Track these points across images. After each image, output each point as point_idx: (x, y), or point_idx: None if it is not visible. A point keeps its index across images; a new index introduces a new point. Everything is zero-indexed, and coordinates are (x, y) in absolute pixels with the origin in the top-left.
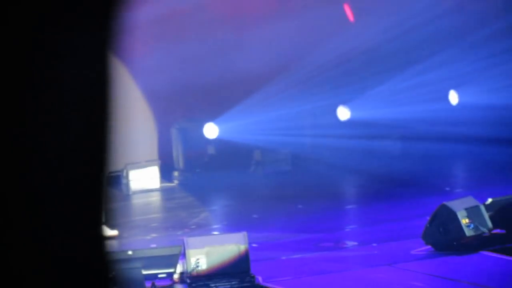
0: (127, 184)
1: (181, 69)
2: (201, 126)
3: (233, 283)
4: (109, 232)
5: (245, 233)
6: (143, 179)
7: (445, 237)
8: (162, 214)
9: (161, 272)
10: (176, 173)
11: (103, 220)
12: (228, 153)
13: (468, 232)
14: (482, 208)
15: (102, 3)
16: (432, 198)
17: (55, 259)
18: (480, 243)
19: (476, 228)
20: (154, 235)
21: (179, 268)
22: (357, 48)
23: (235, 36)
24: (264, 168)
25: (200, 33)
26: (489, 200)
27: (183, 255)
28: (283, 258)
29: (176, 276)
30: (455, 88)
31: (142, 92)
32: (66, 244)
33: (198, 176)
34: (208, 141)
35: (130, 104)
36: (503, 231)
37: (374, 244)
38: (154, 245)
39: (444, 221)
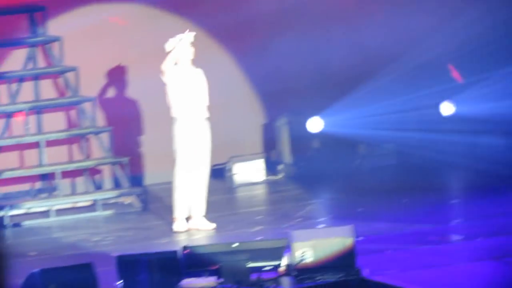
0: (232, 177)
1: (288, 63)
2: (306, 120)
3: (339, 276)
4: (208, 225)
5: (351, 226)
6: (248, 172)
7: None
8: (267, 207)
9: (267, 264)
10: (281, 167)
11: (203, 213)
12: (333, 147)
13: None
14: None
15: None
16: None
17: None
18: None
19: None
20: (259, 227)
21: (284, 261)
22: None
23: (343, 29)
24: (368, 162)
25: (310, 27)
26: None
27: (289, 248)
28: (389, 251)
29: (281, 269)
30: None
31: (250, 85)
32: None
33: (303, 170)
34: (313, 135)
35: (237, 97)
36: None
37: (480, 239)
38: (259, 238)
39: None
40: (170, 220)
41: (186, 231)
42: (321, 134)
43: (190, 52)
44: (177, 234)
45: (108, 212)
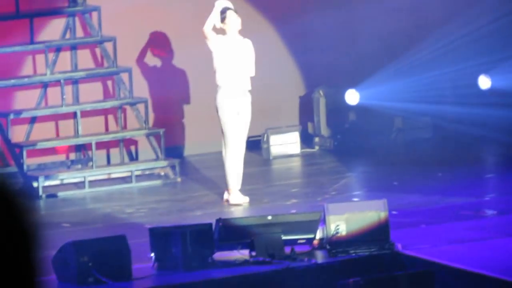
0: (268, 149)
1: (327, 35)
2: (343, 92)
3: (372, 249)
4: (241, 199)
5: (385, 200)
6: (284, 144)
7: None
8: (303, 179)
9: (301, 238)
10: (317, 139)
11: (237, 188)
12: (369, 120)
13: None
14: None
15: None
16: None
17: None
18: None
19: None
20: (294, 200)
21: (318, 234)
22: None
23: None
24: (404, 135)
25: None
26: None
27: (323, 221)
28: (423, 226)
29: (315, 242)
30: None
31: (288, 56)
32: None
33: (339, 142)
34: (349, 107)
35: (274, 68)
36: None
37: None
38: (294, 211)
39: None
40: (206, 193)
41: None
42: (357, 106)
43: (237, 22)
44: (211, 206)
45: (143, 184)
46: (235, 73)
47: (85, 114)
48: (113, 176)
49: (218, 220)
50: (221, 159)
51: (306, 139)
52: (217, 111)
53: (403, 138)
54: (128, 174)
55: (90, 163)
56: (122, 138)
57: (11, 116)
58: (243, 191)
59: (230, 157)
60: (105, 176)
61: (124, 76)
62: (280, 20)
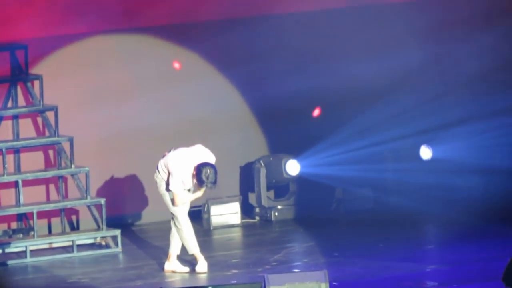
0: (208, 219)
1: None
2: (283, 163)
3: None
4: (181, 268)
5: (325, 271)
6: (225, 215)
7: None
8: (243, 250)
9: None
10: (257, 210)
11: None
12: (310, 190)
13: None
14: None
15: None
16: None
17: None
18: None
19: None
20: (234, 271)
21: None
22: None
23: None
24: (345, 205)
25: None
26: None
27: None
28: None
29: None
30: None
31: (231, 126)
32: None
33: (280, 213)
34: (290, 178)
35: (216, 139)
36: None
37: (455, 285)
38: (234, 281)
39: None
40: (147, 262)
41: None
42: (298, 177)
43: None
44: (152, 276)
45: (84, 253)
46: None
47: (26, 183)
48: (54, 245)
49: None
50: (163, 229)
51: (247, 210)
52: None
53: (344, 209)
54: (70, 243)
55: (32, 232)
56: (63, 207)
57: None
58: (184, 260)
59: (186, 223)
60: (47, 246)
61: (66, 145)
62: (224, 89)
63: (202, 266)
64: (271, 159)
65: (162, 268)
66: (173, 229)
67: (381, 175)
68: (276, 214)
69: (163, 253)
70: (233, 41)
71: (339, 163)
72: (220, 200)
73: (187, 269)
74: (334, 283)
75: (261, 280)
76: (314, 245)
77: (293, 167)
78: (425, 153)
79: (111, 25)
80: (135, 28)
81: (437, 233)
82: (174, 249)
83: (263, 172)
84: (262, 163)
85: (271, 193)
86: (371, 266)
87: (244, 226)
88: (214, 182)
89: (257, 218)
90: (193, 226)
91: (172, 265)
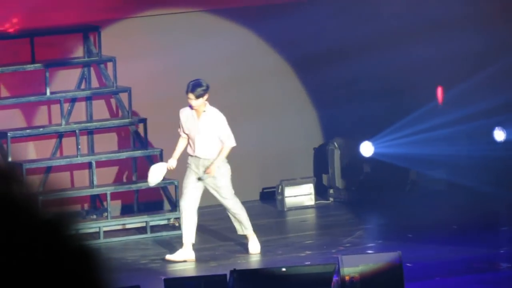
0: (282, 201)
1: (342, 88)
2: (358, 144)
3: None
4: (185, 256)
5: (399, 252)
6: (298, 196)
7: None
8: (317, 231)
9: None
10: (331, 191)
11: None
12: (384, 172)
13: None
14: None
15: None
16: None
17: None
18: None
19: None
20: (308, 252)
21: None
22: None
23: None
24: (419, 187)
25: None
26: None
27: (337, 273)
28: (437, 278)
29: None
30: None
31: (304, 107)
32: None
33: (354, 194)
34: (364, 159)
35: (290, 119)
36: None
37: None
38: (308, 263)
39: None
40: (220, 244)
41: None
42: (372, 159)
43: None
44: (225, 258)
45: (158, 234)
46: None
47: (100, 164)
48: (127, 226)
49: (232, 271)
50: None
51: (321, 191)
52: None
53: (418, 191)
54: (143, 224)
55: (105, 214)
56: (137, 188)
57: (26, 166)
58: (259, 242)
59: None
60: (120, 227)
61: (139, 127)
62: (302, 71)
63: (254, 246)
64: (345, 140)
65: (236, 250)
66: (189, 217)
67: (455, 157)
68: (351, 195)
69: (235, 235)
70: (295, 23)
71: (412, 144)
72: (294, 182)
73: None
74: (408, 264)
75: (335, 261)
76: (387, 226)
77: (367, 148)
78: (499, 135)
79: (183, 6)
80: (206, 10)
81: (511, 215)
82: (190, 238)
83: (337, 153)
84: (336, 145)
85: (345, 175)
86: (444, 248)
87: (318, 207)
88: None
89: (331, 199)
90: (267, 207)
91: (187, 253)
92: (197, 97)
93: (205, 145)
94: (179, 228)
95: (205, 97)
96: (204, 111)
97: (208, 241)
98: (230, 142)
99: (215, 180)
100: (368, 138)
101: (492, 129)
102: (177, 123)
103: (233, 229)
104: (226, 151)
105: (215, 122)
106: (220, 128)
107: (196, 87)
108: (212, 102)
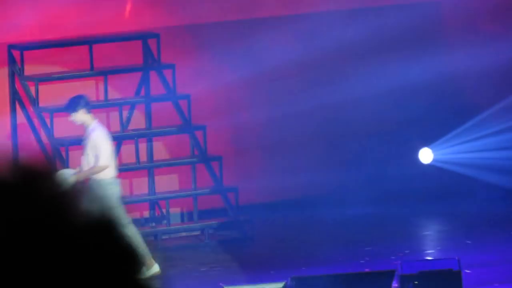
0: None
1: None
2: (417, 151)
3: None
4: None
5: (458, 258)
6: None
7: None
8: (375, 238)
9: None
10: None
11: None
12: (443, 179)
13: None
14: None
15: None
16: None
17: None
18: None
19: None
20: (367, 258)
21: None
22: None
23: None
24: (477, 194)
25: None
26: None
27: (397, 279)
28: (496, 285)
29: None
30: None
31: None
32: None
33: (413, 202)
34: (423, 166)
35: None
36: None
37: None
38: (367, 270)
39: None
40: (278, 251)
41: None
42: (431, 165)
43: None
44: (283, 266)
45: (216, 241)
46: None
47: (159, 171)
48: (186, 234)
49: (291, 279)
50: (287, 219)
51: None
52: None
53: (475, 197)
54: (201, 232)
55: (164, 221)
56: (196, 196)
57: None
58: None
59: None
60: (179, 234)
61: (198, 134)
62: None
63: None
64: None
65: (293, 258)
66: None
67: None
68: (409, 203)
69: (292, 244)
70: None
71: (471, 151)
72: None
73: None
74: (467, 271)
75: (394, 267)
76: (446, 233)
77: (427, 155)
78: None
79: (237, 15)
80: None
81: None
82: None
83: None
84: None
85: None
86: (503, 254)
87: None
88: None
89: None
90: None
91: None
92: (73, 113)
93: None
94: (237, 235)
95: (82, 111)
96: (88, 126)
97: (266, 248)
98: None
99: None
100: (428, 145)
101: None
102: (235, 130)
103: (290, 237)
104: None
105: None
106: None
107: (69, 104)
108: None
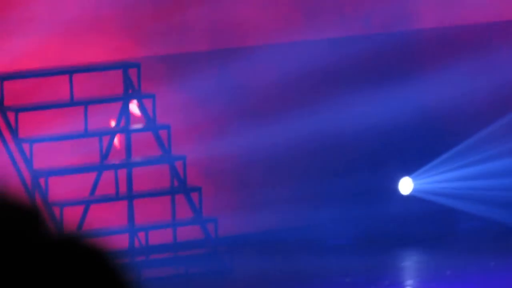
0: None
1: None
2: (396, 181)
3: None
4: None
5: None
6: None
7: None
8: (356, 269)
9: None
10: None
11: None
12: (423, 209)
13: None
14: None
15: None
16: None
17: None
18: None
19: None
20: None
21: None
22: None
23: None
24: (458, 224)
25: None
26: None
27: None
28: None
29: None
30: None
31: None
32: None
33: (392, 231)
34: (403, 196)
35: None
36: None
37: None
38: None
39: None
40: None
41: None
42: (411, 196)
43: None
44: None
45: (195, 273)
46: None
47: (138, 202)
48: (166, 264)
49: None
50: (273, 245)
51: None
52: None
53: (456, 227)
54: (181, 262)
55: (144, 252)
56: (175, 227)
57: (64, 205)
58: None
59: None
60: (158, 266)
61: (178, 165)
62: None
63: None
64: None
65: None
66: None
67: (492, 192)
68: (388, 232)
69: (271, 276)
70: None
71: (451, 180)
72: None
73: None
74: None
75: None
76: (426, 263)
77: (406, 185)
78: None
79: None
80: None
81: None
82: None
83: None
84: None
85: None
86: (482, 285)
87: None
88: None
89: None
90: None
91: None
92: None
93: None
94: (216, 266)
95: None
96: None
97: (249, 280)
98: None
99: None
100: (408, 174)
101: None
102: (217, 160)
103: (270, 269)
104: None
105: None
106: None
107: None
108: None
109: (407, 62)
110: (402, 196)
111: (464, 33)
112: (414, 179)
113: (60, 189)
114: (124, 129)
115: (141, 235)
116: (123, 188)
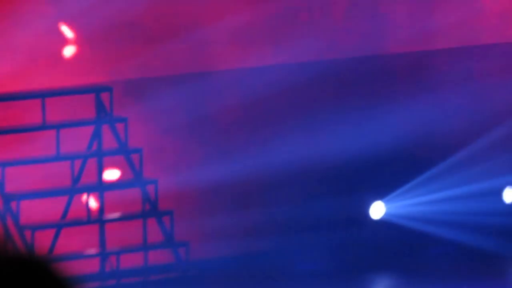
0: None
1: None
2: (368, 205)
3: None
4: None
5: None
6: None
7: None
8: None
9: None
10: None
11: None
12: (395, 233)
13: None
14: None
15: None
16: None
17: None
18: None
19: None
20: None
21: None
22: None
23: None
24: (428, 249)
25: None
26: None
27: None
28: None
29: None
30: None
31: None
32: None
33: (363, 256)
34: (374, 222)
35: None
36: None
37: None
38: None
39: None
40: None
41: None
42: (381, 221)
43: None
44: None
45: None
46: None
47: (110, 226)
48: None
49: None
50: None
51: None
52: None
53: (427, 253)
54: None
55: (115, 276)
56: (147, 251)
57: (36, 228)
58: None
59: None
60: None
61: (150, 188)
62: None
63: None
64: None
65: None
66: None
67: (463, 217)
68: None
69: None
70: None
71: (424, 204)
72: None
73: None
74: None
75: None
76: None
77: (378, 209)
78: (509, 195)
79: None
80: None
81: None
82: None
83: None
84: None
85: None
86: None
87: None
88: None
89: None
90: None
91: None
92: None
93: None
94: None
95: None
96: None
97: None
98: None
99: None
100: (380, 198)
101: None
102: (188, 185)
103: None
104: None
105: None
106: None
107: None
108: None
109: (379, 87)
110: (373, 220)
111: (435, 58)
112: (386, 203)
113: (31, 212)
114: (96, 153)
115: (113, 258)
116: (94, 212)
